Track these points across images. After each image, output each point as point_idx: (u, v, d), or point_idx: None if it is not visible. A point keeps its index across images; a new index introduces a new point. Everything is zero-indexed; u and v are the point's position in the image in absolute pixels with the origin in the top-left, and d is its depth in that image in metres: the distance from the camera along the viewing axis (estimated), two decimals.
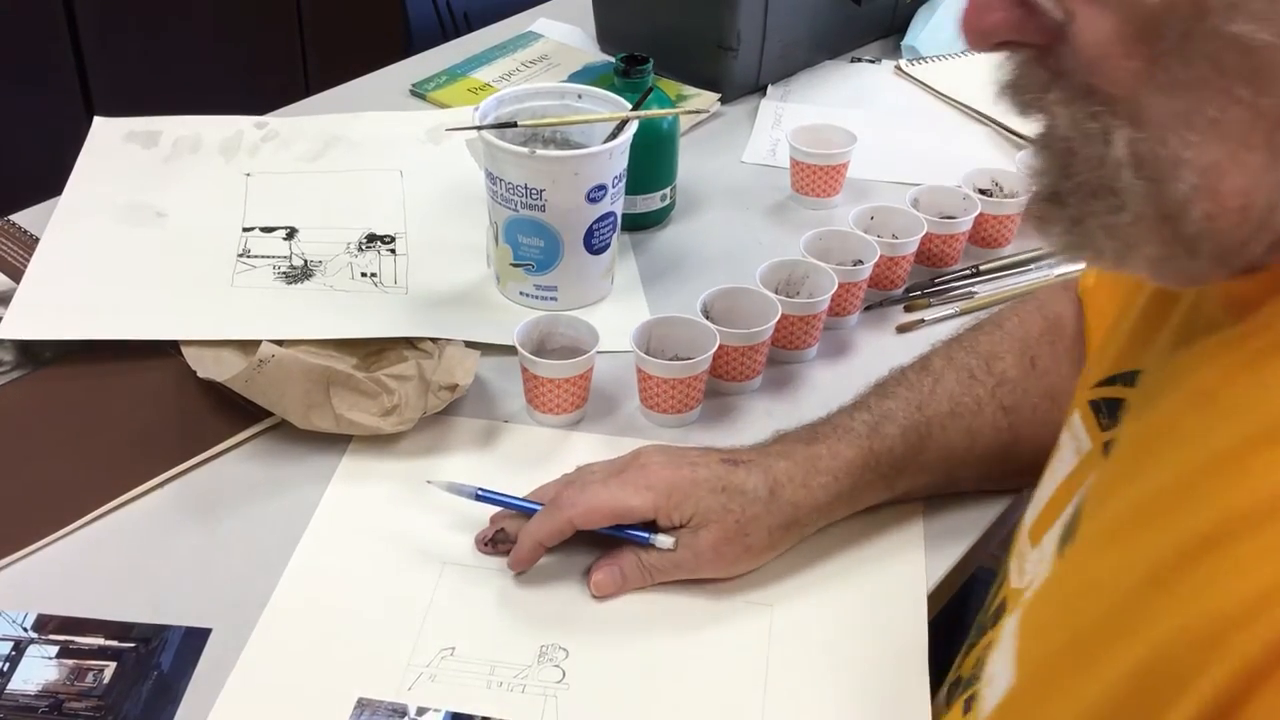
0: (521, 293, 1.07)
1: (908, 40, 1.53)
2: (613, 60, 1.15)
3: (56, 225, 1.13)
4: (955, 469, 0.87)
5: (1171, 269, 0.54)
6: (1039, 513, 0.71)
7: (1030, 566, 0.69)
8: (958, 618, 0.94)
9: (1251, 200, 0.50)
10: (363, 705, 0.74)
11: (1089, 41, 0.51)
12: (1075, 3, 0.51)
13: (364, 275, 1.09)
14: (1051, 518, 0.69)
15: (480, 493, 0.84)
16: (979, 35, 0.54)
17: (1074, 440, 0.71)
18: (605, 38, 1.49)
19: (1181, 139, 0.50)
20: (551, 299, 1.07)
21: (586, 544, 0.83)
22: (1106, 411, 0.68)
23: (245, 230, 1.14)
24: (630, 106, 1.08)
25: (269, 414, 0.93)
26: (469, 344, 0.98)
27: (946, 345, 0.91)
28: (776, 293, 1.01)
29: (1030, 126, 0.56)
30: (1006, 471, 0.88)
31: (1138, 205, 0.52)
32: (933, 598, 0.83)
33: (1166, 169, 0.50)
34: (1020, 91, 0.55)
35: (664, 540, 0.81)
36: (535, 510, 0.83)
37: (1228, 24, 0.47)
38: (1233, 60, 0.47)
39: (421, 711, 0.74)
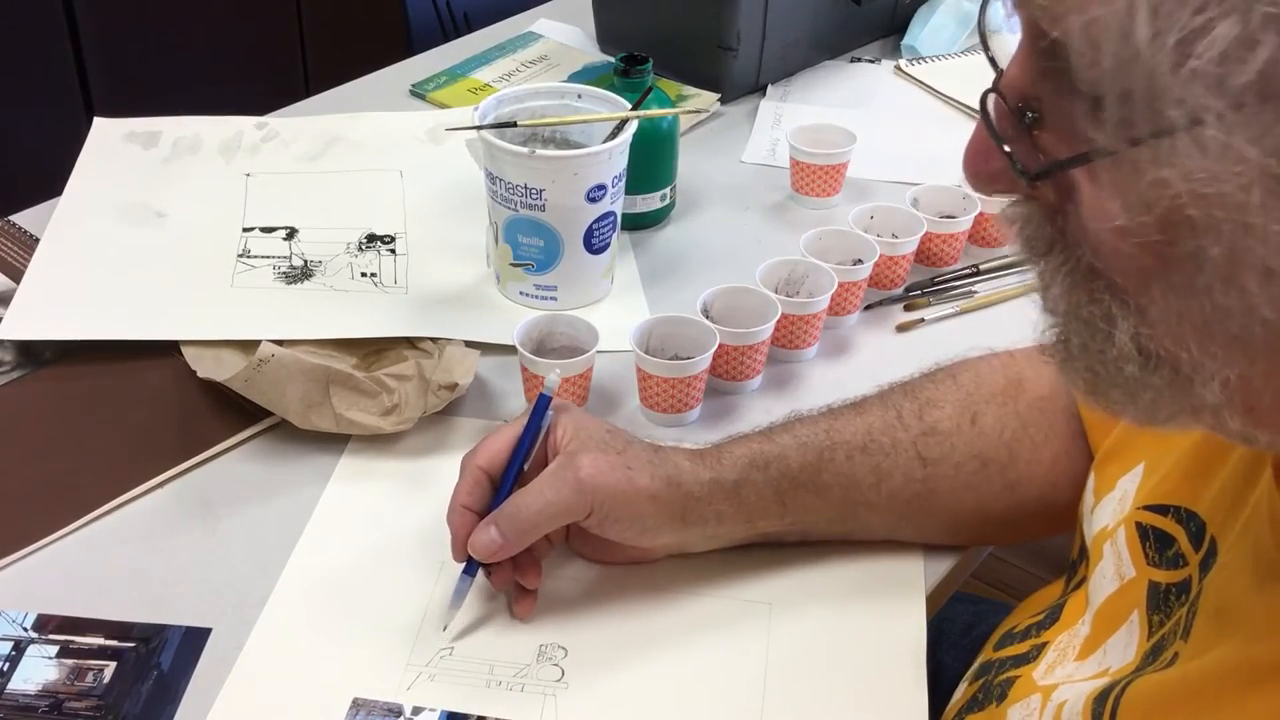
0: (521, 292, 1.07)
1: (907, 40, 1.53)
2: (612, 60, 1.15)
3: (56, 225, 1.13)
4: (858, 506, 0.82)
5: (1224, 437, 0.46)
6: (1091, 628, 0.66)
7: (1062, 671, 0.65)
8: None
9: None
10: (358, 705, 0.74)
11: (1093, 224, 0.43)
12: (1078, 176, 0.43)
13: (364, 275, 1.09)
14: (1099, 640, 0.64)
15: (467, 568, 0.79)
16: (980, 181, 0.48)
17: (1115, 558, 0.65)
18: (605, 38, 1.49)
19: (1200, 346, 0.42)
20: (551, 299, 1.07)
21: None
22: (1155, 545, 0.62)
23: (245, 230, 1.14)
24: (630, 106, 1.08)
25: (269, 414, 0.93)
26: (469, 343, 0.98)
27: (893, 385, 0.86)
28: (776, 292, 1.01)
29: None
30: (922, 528, 0.84)
31: (1155, 394, 0.45)
32: (932, 598, 0.83)
33: (1184, 371, 0.43)
34: (1025, 244, 0.49)
35: (552, 378, 0.79)
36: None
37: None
38: (1254, 281, 0.40)
39: (417, 711, 0.74)
